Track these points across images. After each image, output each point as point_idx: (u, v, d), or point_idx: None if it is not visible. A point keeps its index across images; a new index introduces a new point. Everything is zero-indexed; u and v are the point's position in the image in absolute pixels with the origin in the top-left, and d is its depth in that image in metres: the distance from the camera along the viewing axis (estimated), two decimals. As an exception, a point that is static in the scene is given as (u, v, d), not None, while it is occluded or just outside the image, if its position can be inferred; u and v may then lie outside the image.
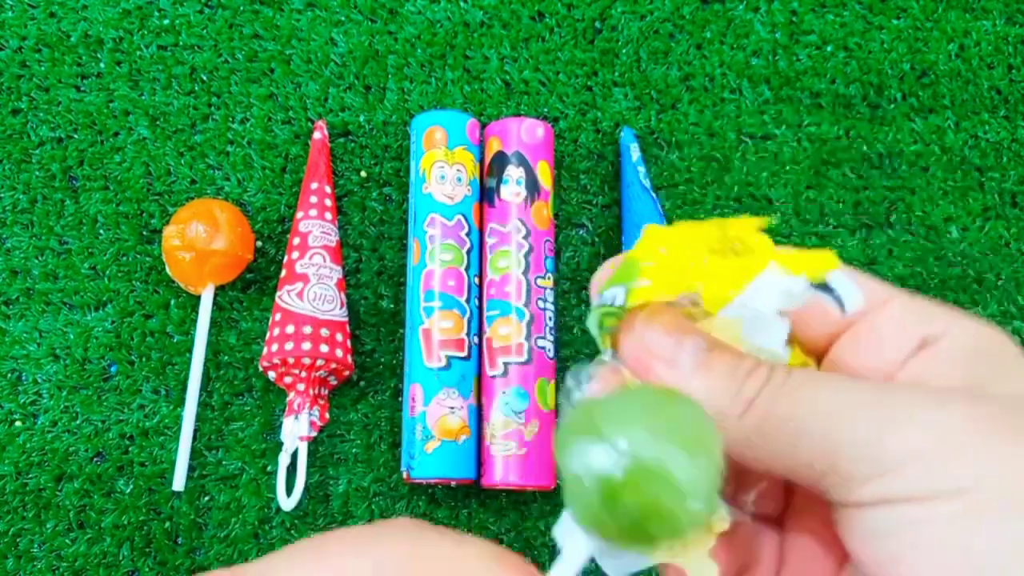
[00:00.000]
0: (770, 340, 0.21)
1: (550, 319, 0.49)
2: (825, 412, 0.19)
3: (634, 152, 0.53)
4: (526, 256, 0.49)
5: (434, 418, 0.46)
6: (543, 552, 0.48)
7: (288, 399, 0.48)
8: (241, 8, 0.55)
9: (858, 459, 0.18)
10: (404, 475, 0.47)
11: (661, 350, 0.21)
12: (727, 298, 0.20)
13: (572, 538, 0.20)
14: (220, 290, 0.51)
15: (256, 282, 0.51)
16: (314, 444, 0.49)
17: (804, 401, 0.19)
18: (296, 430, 0.47)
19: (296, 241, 0.50)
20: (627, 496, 0.18)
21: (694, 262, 0.21)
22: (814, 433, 0.19)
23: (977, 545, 0.17)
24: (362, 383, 0.50)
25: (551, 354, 0.49)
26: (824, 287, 0.20)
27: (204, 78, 0.54)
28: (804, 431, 0.19)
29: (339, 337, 0.48)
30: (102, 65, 0.54)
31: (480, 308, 0.49)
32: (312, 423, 0.48)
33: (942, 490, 0.17)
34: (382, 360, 0.51)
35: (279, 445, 0.48)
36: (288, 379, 0.48)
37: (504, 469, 0.46)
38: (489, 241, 0.50)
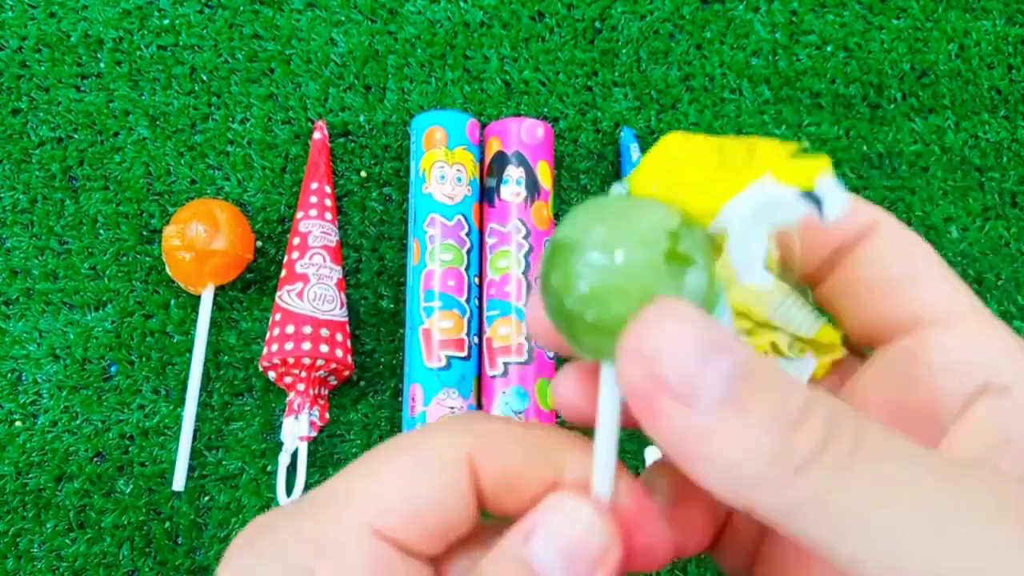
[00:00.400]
0: (755, 267, 0.18)
1: (550, 319, 0.49)
2: (890, 518, 0.14)
3: (634, 152, 0.53)
4: (526, 256, 0.49)
5: (434, 418, 0.46)
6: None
7: (288, 399, 0.48)
8: (241, 8, 0.55)
9: None
10: (404, 475, 0.47)
11: (675, 373, 0.15)
12: (714, 211, 0.17)
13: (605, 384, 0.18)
14: (220, 290, 0.51)
15: (256, 282, 0.51)
16: (314, 444, 0.49)
17: (870, 493, 0.14)
18: (296, 430, 0.47)
19: (296, 241, 0.50)
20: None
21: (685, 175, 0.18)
22: (871, 541, 0.14)
23: None
24: (362, 383, 0.50)
25: (551, 354, 0.49)
26: (812, 196, 0.17)
27: (204, 78, 0.54)
28: (860, 530, 0.14)
29: (339, 337, 0.48)
30: (102, 65, 0.54)
31: (480, 308, 0.49)
32: (312, 423, 0.48)
33: None
34: (382, 360, 0.51)
35: (279, 445, 0.48)
36: (288, 379, 0.48)
37: (504, 469, 0.46)
38: (489, 241, 0.50)
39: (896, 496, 0.14)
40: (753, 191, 0.17)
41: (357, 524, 0.18)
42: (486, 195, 0.51)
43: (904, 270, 0.19)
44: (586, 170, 0.54)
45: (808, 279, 0.21)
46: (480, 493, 0.19)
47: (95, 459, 0.49)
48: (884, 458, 0.15)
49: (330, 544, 0.18)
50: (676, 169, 0.18)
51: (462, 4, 0.56)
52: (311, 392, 0.48)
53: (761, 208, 0.17)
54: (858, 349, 0.22)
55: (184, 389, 0.49)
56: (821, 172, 0.17)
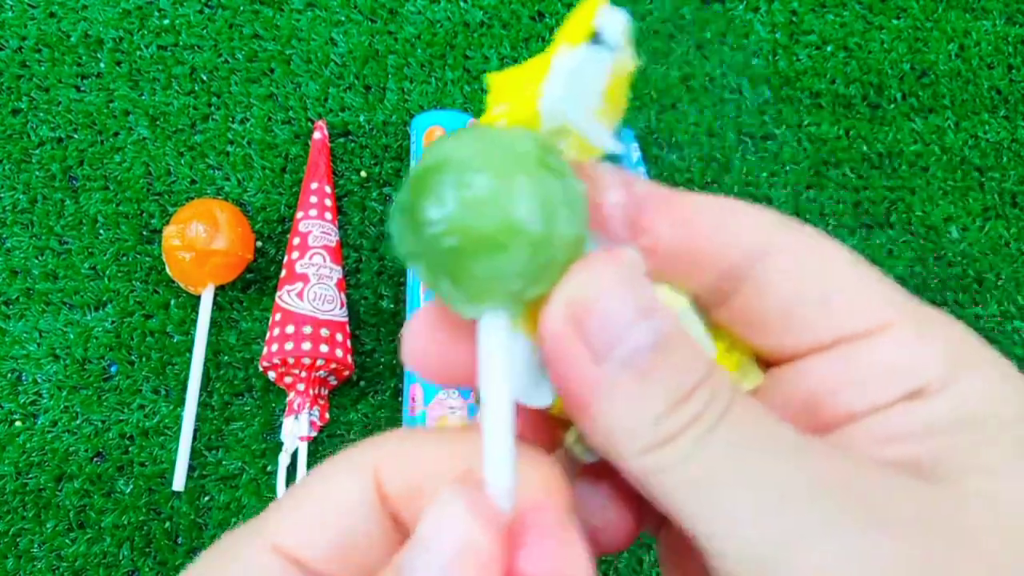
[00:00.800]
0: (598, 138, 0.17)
1: (550, 319, 0.49)
2: (722, 493, 0.15)
3: (634, 152, 0.53)
4: (526, 256, 0.49)
5: (434, 418, 0.46)
6: (543, 552, 0.48)
7: (288, 399, 0.48)
8: (241, 8, 0.55)
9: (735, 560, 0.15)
10: (404, 475, 0.47)
11: (600, 330, 0.15)
12: (534, 106, 0.16)
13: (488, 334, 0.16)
14: (220, 290, 0.51)
15: (256, 282, 0.51)
16: (314, 444, 0.49)
17: (714, 468, 0.15)
18: (296, 430, 0.47)
19: (296, 241, 0.50)
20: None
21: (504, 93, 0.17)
22: (704, 513, 0.15)
23: None
24: (362, 383, 0.50)
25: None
26: (599, 39, 0.16)
27: (204, 78, 0.54)
28: (699, 501, 0.15)
29: (339, 337, 0.48)
30: (102, 65, 0.54)
31: (480, 308, 0.49)
32: (312, 423, 0.48)
33: None
34: (382, 360, 0.51)
35: (279, 445, 0.48)
36: (288, 379, 0.48)
37: (504, 469, 0.46)
38: (489, 241, 0.50)
39: (735, 473, 0.15)
40: (553, 70, 0.16)
41: (271, 553, 0.17)
42: (486, 195, 0.51)
43: (813, 289, 0.17)
44: (586, 170, 0.54)
45: (699, 304, 0.19)
46: (393, 511, 0.18)
47: (95, 459, 0.49)
48: (741, 437, 0.15)
49: (245, 574, 0.17)
50: (506, 96, 0.17)
51: (462, 4, 0.56)
52: (311, 392, 0.48)
53: (569, 82, 0.16)
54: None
55: (184, 389, 0.49)
56: (595, 12, 0.16)
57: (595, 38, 0.16)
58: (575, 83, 0.16)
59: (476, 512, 0.15)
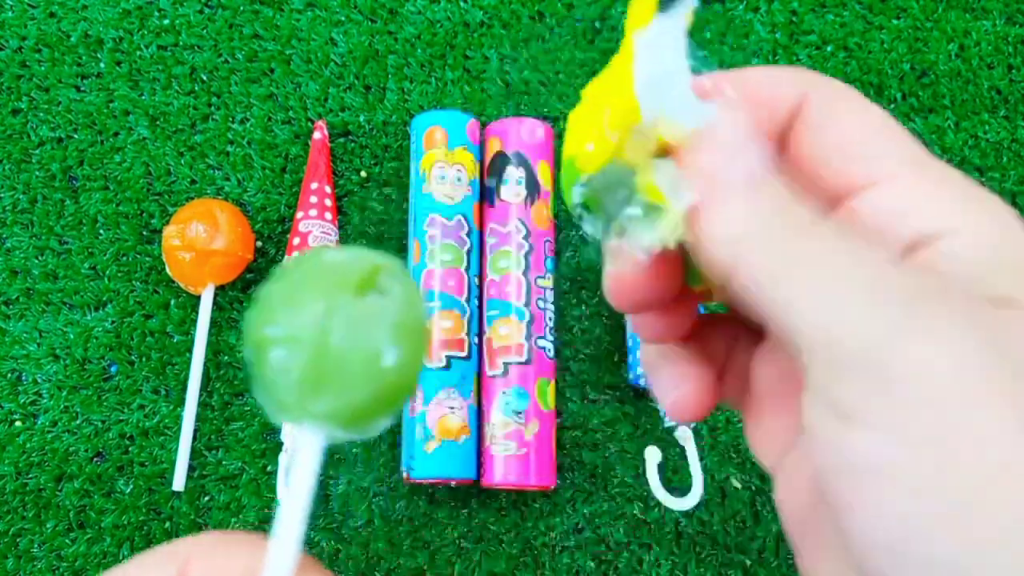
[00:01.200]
0: (692, 111, 0.19)
1: (550, 319, 0.49)
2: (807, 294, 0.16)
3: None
4: (526, 256, 0.49)
5: (434, 418, 0.46)
6: (543, 552, 0.48)
7: (288, 399, 0.48)
8: (241, 8, 0.55)
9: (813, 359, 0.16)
10: (404, 475, 0.47)
11: (733, 160, 0.18)
12: (631, 97, 0.18)
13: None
14: (220, 290, 0.51)
15: (256, 282, 0.51)
16: (314, 444, 0.49)
17: (821, 262, 0.16)
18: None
19: (296, 241, 0.50)
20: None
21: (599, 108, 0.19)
22: (798, 296, 0.16)
23: None
24: (362, 383, 0.50)
25: (551, 354, 0.49)
26: (666, 4, 0.18)
27: (204, 78, 0.54)
28: (794, 285, 0.16)
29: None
30: (102, 65, 0.54)
31: (480, 308, 0.49)
32: (312, 423, 0.48)
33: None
34: (382, 360, 0.51)
35: (279, 445, 0.48)
36: (288, 379, 0.48)
37: (504, 469, 0.46)
38: (489, 241, 0.50)
39: (834, 267, 0.16)
40: (637, 49, 0.18)
41: None
42: (486, 195, 0.51)
43: (838, 139, 0.19)
44: (586, 170, 0.54)
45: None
46: None
47: (95, 459, 0.49)
48: (843, 233, 0.17)
49: None
50: (589, 133, 0.19)
51: (462, 4, 0.56)
52: (311, 392, 0.48)
53: (655, 55, 0.18)
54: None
55: (184, 389, 0.49)
56: None
57: (661, 5, 0.18)
58: (660, 55, 0.18)
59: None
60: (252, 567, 0.19)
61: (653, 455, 0.49)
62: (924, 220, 0.17)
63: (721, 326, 0.23)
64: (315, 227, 0.50)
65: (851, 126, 0.19)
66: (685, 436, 0.49)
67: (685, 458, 0.49)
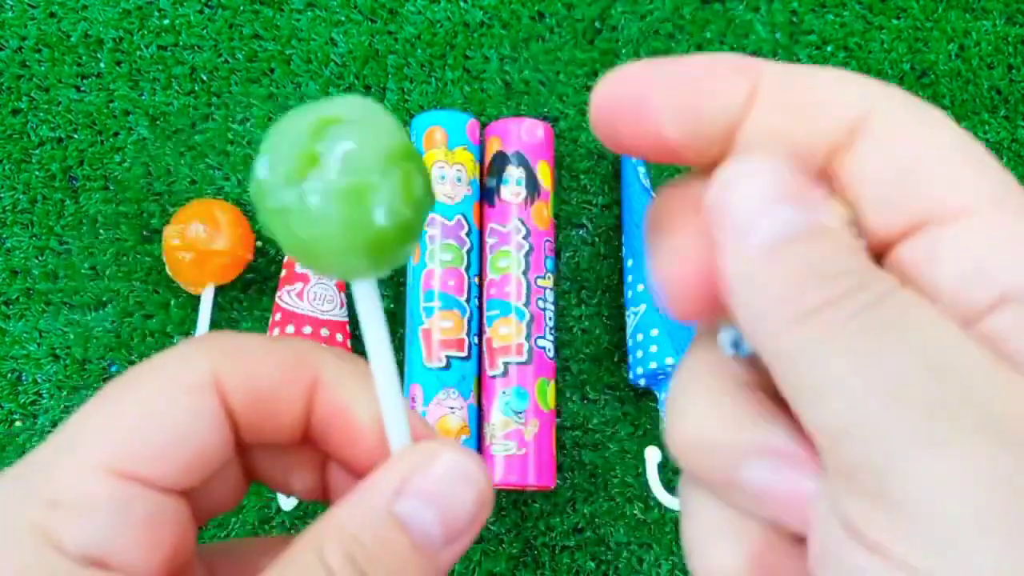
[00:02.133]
0: None
1: (550, 319, 0.49)
2: (842, 381, 0.14)
3: (634, 152, 0.53)
4: (526, 256, 0.49)
5: (434, 418, 0.46)
6: (543, 552, 0.48)
7: (288, 399, 0.48)
8: (241, 8, 0.55)
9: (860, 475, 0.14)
10: (404, 475, 0.47)
11: (751, 207, 0.15)
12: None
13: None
14: (220, 290, 0.51)
15: (256, 282, 0.51)
16: (314, 444, 0.49)
17: (839, 355, 0.14)
18: (296, 430, 0.47)
19: (296, 241, 0.50)
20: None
21: None
22: (817, 399, 0.14)
23: None
24: (362, 383, 0.50)
25: (551, 354, 0.49)
26: None
27: (204, 78, 0.54)
28: (816, 388, 0.14)
29: (339, 337, 0.48)
30: (102, 65, 0.54)
31: (480, 308, 0.49)
32: (312, 423, 0.48)
33: None
34: (382, 360, 0.51)
35: (279, 445, 0.48)
36: (288, 379, 0.48)
37: (504, 469, 0.46)
38: (489, 241, 0.50)
39: (867, 366, 0.14)
40: None
41: (92, 466, 0.17)
42: (486, 195, 0.51)
43: (906, 162, 0.15)
44: (586, 170, 0.54)
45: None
46: (232, 417, 0.18)
47: (95, 459, 0.49)
48: (880, 330, 0.14)
49: (63, 493, 0.16)
50: None
51: (462, 4, 0.56)
52: (311, 392, 0.48)
53: None
54: None
55: (184, 389, 0.49)
56: None
57: None
58: None
59: (461, 452, 0.18)
60: (304, 372, 0.18)
61: (653, 455, 0.49)
62: (1004, 273, 0.14)
63: None
64: (315, 227, 0.50)
65: (920, 146, 0.15)
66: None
67: (685, 458, 0.49)
